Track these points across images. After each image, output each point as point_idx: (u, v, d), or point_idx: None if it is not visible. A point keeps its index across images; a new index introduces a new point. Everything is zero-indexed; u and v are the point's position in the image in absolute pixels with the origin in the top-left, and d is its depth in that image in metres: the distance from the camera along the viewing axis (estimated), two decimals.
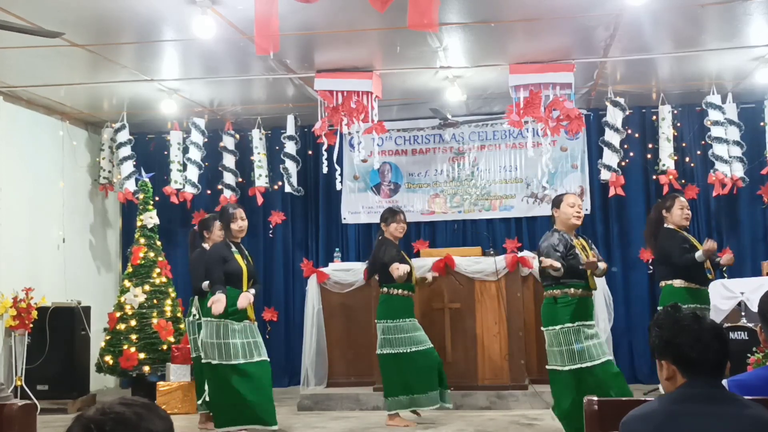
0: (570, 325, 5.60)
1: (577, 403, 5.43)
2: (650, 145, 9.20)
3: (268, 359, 6.27)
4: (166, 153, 9.49)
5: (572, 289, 5.65)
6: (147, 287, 8.24)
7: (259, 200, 9.52)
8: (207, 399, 6.60)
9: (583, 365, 5.57)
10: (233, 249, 6.24)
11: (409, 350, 6.75)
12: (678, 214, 6.28)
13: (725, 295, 7.33)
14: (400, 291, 6.81)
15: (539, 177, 8.76)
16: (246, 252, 6.42)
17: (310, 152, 9.81)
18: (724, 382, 2.48)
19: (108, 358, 8.08)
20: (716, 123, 8.54)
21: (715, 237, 9.12)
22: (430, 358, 6.80)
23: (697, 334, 2.33)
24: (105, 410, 1.69)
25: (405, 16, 4.87)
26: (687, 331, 2.34)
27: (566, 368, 5.61)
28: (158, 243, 8.59)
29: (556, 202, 5.91)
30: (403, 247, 7.76)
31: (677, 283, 6.16)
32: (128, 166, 9.17)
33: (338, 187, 8.79)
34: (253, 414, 6.07)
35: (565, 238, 5.74)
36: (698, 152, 9.16)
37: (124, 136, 9.19)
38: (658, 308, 6.16)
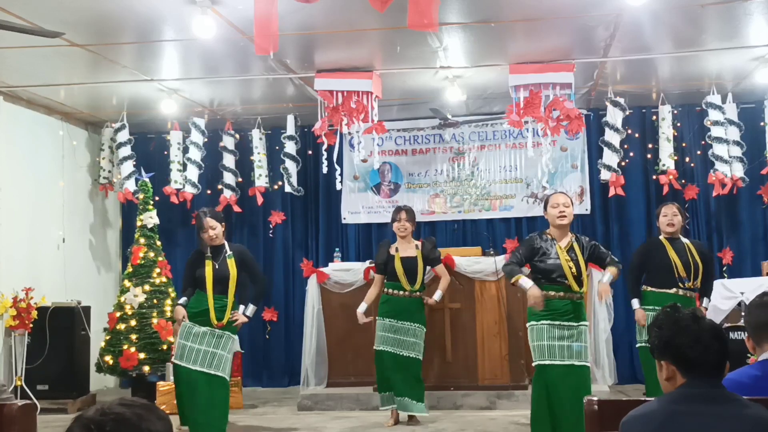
0: (535, 323, 5.57)
1: (537, 400, 5.50)
2: (650, 145, 9.20)
3: (224, 377, 6.00)
4: (166, 153, 9.49)
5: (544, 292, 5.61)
6: (147, 287, 8.23)
7: (259, 200, 9.52)
8: None
9: (544, 362, 5.52)
10: (208, 254, 6.13)
11: (376, 348, 6.87)
12: (661, 222, 6.47)
13: (725, 295, 7.34)
14: (386, 290, 6.94)
15: (539, 177, 8.77)
16: (230, 255, 6.15)
17: (310, 152, 9.81)
18: None
19: (108, 358, 8.08)
20: (716, 123, 8.54)
21: (715, 237, 9.17)
22: (383, 361, 6.79)
23: (696, 334, 2.34)
24: (105, 411, 1.69)
25: (405, 16, 4.88)
26: (686, 332, 2.34)
27: (534, 363, 5.61)
28: (158, 243, 8.59)
29: (545, 204, 5.86)
30: None
31: (647, 288, 6.43)
32: (128, 166, 9.18)
33: (338, 187, 8.80)
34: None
35: (540, 239, 5.66)
36: (698, 152, 9.16)
37: (124, 136, 9.19)
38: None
